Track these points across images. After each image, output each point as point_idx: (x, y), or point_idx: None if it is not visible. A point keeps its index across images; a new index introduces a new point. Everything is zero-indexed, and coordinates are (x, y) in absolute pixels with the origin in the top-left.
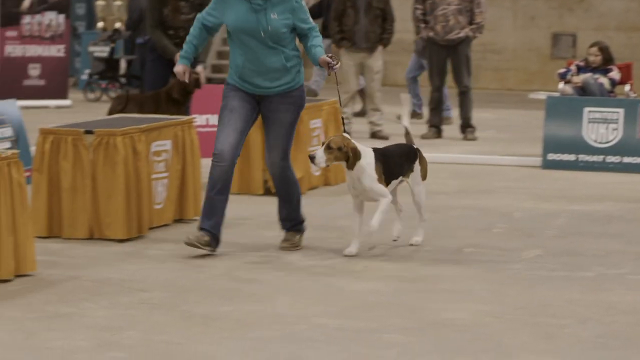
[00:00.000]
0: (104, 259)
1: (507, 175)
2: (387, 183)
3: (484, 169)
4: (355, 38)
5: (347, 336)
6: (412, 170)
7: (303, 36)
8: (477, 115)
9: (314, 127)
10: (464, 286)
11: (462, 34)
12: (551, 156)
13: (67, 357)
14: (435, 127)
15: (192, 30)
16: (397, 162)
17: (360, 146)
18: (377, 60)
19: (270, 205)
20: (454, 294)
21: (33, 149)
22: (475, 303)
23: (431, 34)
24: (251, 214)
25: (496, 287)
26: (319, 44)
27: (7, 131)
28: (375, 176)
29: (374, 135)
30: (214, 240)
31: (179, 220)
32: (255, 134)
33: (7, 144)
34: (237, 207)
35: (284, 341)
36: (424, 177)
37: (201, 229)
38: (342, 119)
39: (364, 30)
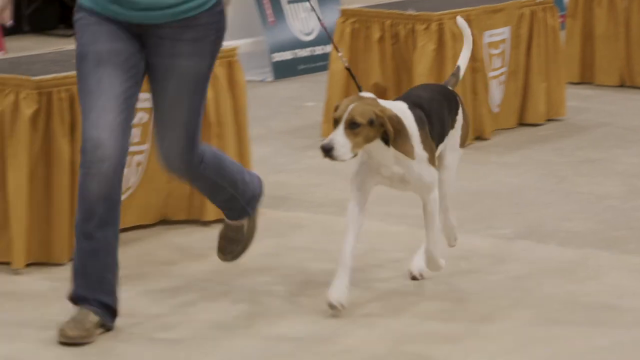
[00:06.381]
0: (637, 107)
1: None
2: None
3: None
4: None
5: None
6: (452, 126)
7: None
8: None
9: None
10: None
11: None
12: None
13: None
14: None
15: None
16: (441, 118)
17: (391, 105)
18: None
19: None
20: None
21: None
22: None
23: None
24: None
25: None
26: None
27: None
28: (425, 154)
29: None
30: (105, 313)
31: None
32: None
33: None
34: None
35: None
36: (464, 139)
37: (77, 298)
38: (349, 70)
39: None
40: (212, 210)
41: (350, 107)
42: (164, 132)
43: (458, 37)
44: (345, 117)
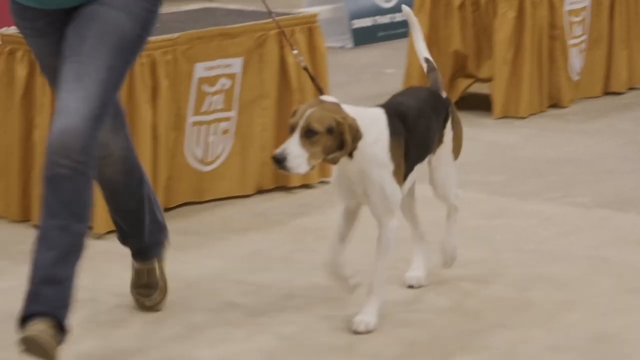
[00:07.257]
0: None
1: None
2: (406, 175)
3: None
4: None
5: None
6: (441, 141)
7: None
8: None
9: None
10: None
11: None
12: None
13: None
14: None
15: None
16: (425, 129)
17: (357, 111)
18: None
19: None
20: None
21: None
22: None
23: None
24: None
25: None
26: None
27: None
28: (390, 165)
29: None
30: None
31: None
32: None
33: None
34: None
35: None
36: (456, 152)
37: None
38: (306, 69)
39: None
40: (297, 176)
41: (308, 112)
42: (73, 86)
43: (538, 5)
44: (301, 124)
